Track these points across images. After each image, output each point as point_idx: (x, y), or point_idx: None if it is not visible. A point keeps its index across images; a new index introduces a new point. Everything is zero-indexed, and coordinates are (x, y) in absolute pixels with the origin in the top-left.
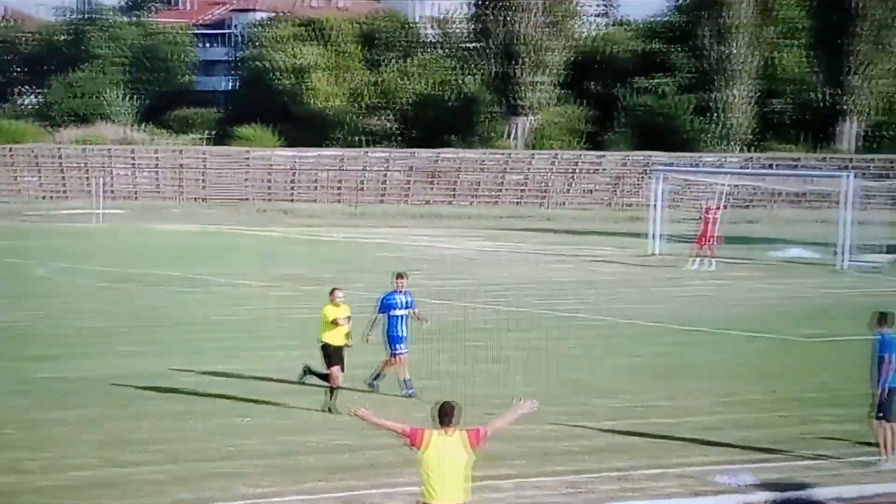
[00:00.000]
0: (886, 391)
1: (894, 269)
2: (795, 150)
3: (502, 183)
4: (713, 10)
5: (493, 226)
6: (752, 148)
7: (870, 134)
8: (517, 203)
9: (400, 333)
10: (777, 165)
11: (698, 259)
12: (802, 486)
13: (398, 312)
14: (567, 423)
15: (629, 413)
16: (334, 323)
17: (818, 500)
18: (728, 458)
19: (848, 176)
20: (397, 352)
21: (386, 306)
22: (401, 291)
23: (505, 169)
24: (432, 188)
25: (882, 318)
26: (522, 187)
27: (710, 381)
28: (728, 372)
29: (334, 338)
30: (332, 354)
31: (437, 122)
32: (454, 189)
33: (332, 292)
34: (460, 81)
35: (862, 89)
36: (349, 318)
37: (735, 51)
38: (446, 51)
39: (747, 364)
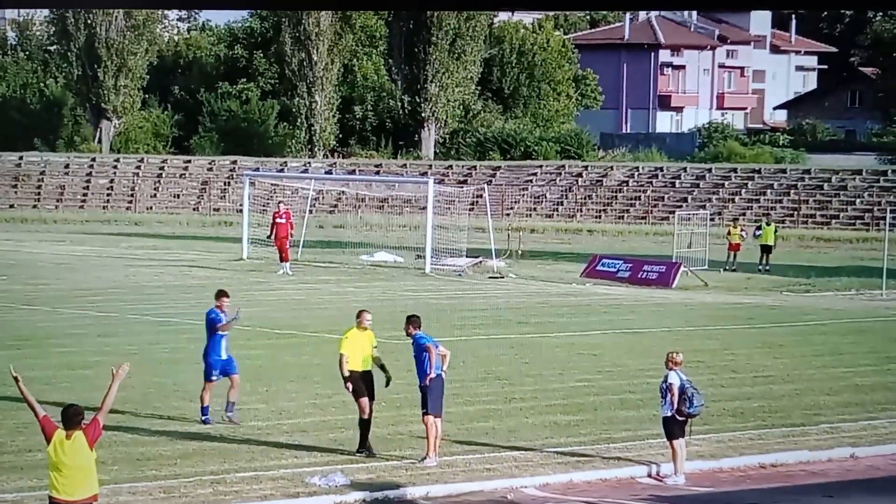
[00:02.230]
0: (427, 383)
1: (474, 271)
2: (377, 156)
3: (88, 187)
4: (293, 16)
5: (80, 230)
6: (336, 154)
7: (448, 141)
8: (104, 207)
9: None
10: (360, 171)
11: (286, 263)
12: (394, 486)
13: (222, 332)
14: (161, 427)
15: (223, 416)
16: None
17: (409, 500)
18: (320, 459)
19: (431, 182)
20: (213, 378)
21: (213, 324)
22: (223, 310)
23: (91, 173)
24: (16, 192)
25: (411, 321)
26: (109, 191)
27: (302, 383)
28: (320, 374)
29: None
30: (358, 383)
31: (20, 126)
32: (38, 193)
33: (359, 314)
34: (43, 84)
35: (439, 97)
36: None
37: (316, 57)
38: (27, 53)
39: (337, 366)
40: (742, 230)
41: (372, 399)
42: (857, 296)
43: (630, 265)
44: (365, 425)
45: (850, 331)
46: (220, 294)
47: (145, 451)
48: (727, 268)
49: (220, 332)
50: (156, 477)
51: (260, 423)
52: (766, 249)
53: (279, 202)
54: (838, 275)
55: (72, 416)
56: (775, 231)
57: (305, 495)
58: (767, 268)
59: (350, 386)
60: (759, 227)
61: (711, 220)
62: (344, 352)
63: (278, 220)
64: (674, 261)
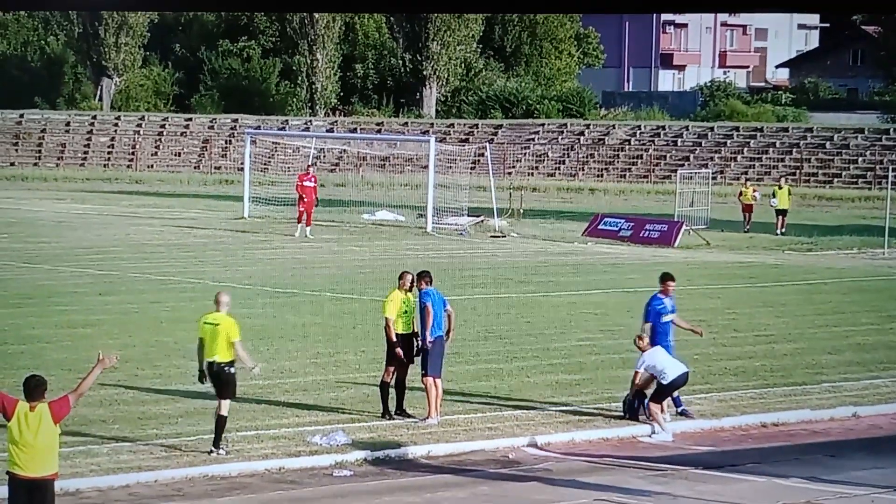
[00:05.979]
0: (429, 345)
1: (475, 230)
2: (378, 115)
3: (89, 145)
4: None
5: (81, 188)
6: (337, 112)
7: (449, 99)
8: (105, 166)
9: (670, 343)
10: (362, 129)
11: (308, 227)
12: (395, 445)
13: (667, 318)
14: (162, 386)
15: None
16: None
17: (409, 458)
18: (321, 418)
19: (432, 140)
20: None
21: (655, 313)
22: (668, 295)
23: (91, 131)
24: (17, 150)
25: (422, 276)
26: (110, 149)
27: (303, 341)
28: (320, 333)
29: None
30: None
31: (20, 84)
32: (39, 151)
33: (401, 276)
34: (43, 42)
35: (441, 55)
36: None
37: (317, 15)
38: (27, 11)
39: (338, 325)
40: (755, 190)
41: (410, 362)
42: (859, 255)
43: (632, 224)
44: (399, 387)
45: (852, 290)
46: (666, 277)
47: (146, 410)
48: (746, 229)
49: (664, 320)
50: (157, 436)
51: (260, 381)
52: (781, 213)
53: (308, 166)
54: (840, 234)
55: (34, 388)
56: (788, 193)
57: (307, 454)
58: (783, 230)
59: (400, 351)
60: (773, 195)
61: (713, 178)
62: (389, 315)
63: (307, 184)
64: (676, 220)
